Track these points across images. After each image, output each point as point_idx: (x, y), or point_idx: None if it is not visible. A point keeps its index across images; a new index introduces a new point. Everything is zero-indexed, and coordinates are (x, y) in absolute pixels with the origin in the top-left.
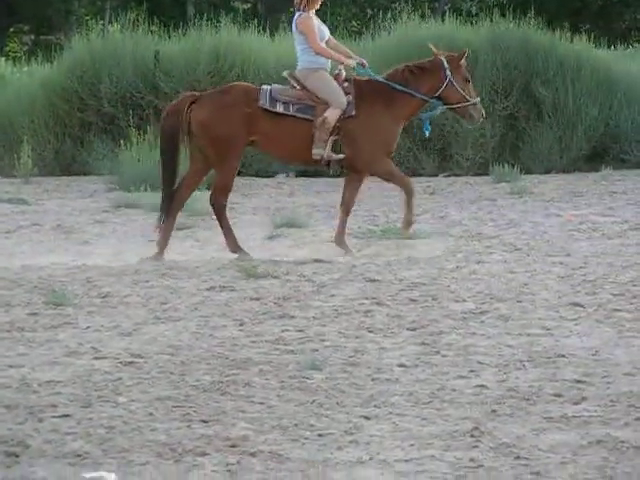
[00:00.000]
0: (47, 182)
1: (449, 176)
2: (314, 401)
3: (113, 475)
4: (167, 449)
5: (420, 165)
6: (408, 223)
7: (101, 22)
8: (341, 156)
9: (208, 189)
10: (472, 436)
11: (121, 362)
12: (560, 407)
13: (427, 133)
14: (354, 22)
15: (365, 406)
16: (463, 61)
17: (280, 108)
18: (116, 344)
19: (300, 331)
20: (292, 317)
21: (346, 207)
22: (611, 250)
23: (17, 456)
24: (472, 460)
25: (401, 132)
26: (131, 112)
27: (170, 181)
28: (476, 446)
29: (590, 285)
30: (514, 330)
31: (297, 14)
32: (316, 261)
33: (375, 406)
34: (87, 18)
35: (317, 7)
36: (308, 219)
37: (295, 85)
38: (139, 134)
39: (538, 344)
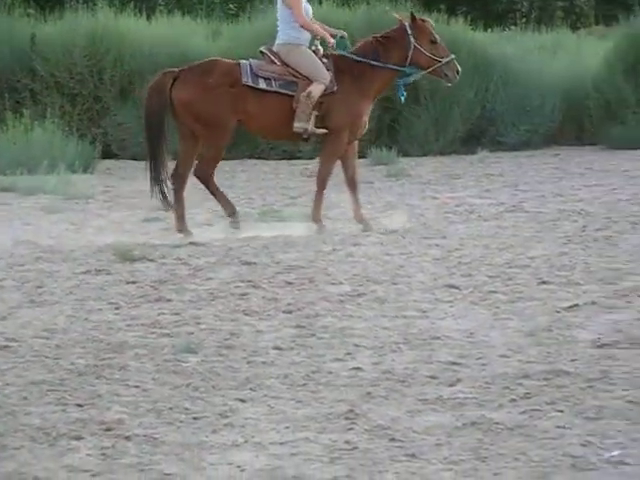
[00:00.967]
0: None
1: None
2: (189, 384)
3: None
4: (41, 433)
5: (297, 147)
6: (315, 218)
7: None
8: (323, 130)
9: (85, 172)
10: (347, 418)
11: None
12: (435, 389)
13: (402, 99)
14: (231, 5)
15: (240, 389)
16: (426, 23)
17: (263, 84)
18: None
19: (176, 314)
20: (168, 300)
21: (351, 186)
22: (487, 232)
23: None
24: (347, 442)
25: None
26: (7, 95)
27: (157, 155)
28: (351, 428)
29: (466, 267)
30: (390, 312)
31: None
32: (192, 244)
33: (250, 389)
34: None
35: None
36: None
37: (275, 60)
38: (15, 117)
39: (414, 326)
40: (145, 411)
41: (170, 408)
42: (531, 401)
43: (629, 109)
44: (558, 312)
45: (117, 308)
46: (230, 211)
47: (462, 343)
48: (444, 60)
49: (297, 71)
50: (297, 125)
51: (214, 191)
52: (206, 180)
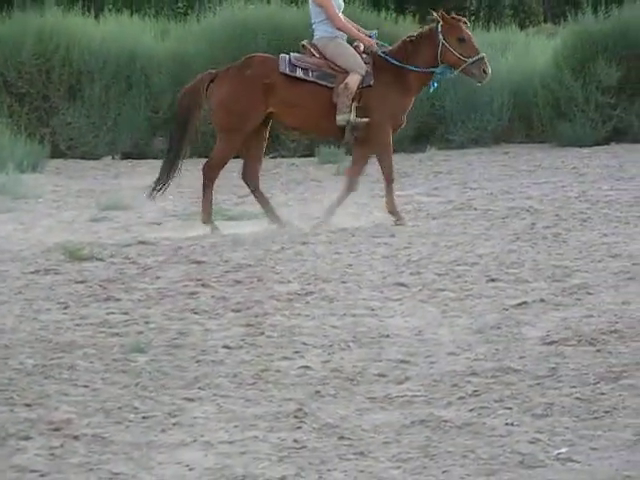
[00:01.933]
0: None
1: (275, 157)
2: (138, 384)
3: None
4: None
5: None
6: (392, 210)
7: None
8: (366, 120)
9: (34, 171)
10: (296, 417)
11: None
12: (384, 387)
13: (431, 89)
14: (180, 3)
15: (189, 388)
16: (457, 22)
17: (300, 73)
18: None
19: (125, 314)
20: (117, 300)
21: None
22: (436, 230)
23: None
24: (296, 441)
25: None
26: None
27: (175, 154)
28: (300, 427)
29: (414, 265)
30: (339, 311)
31: None
32: (141, 243)
33: (199, 388)
34: None
35: None
36: (133, 201)
37: (314, 53)
38: None
39: (362, 324)
40: (94, 410)
41: (119, 407)
42: (479, 399)
43: (577, 107)
44: (507, 309)
45: (66, 308)
46: (205, 220)
47: (411, 341)
48: (470, 60)
49: (335, 63)
50: (339, 118)
51: (206, 195)
52: (208, 183)
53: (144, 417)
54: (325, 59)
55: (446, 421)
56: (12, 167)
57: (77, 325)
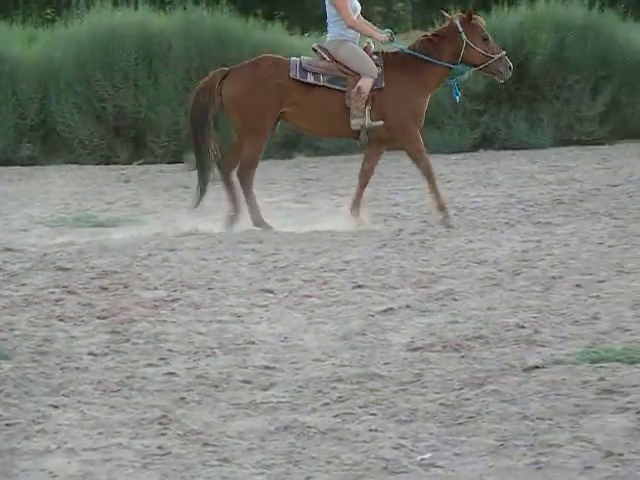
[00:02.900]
0: None
1: (143, 164)
2: (2, 391)
3: None
4: None
5: (114, 153)
6: (440, 207)
7: None
8: (380, 122)
9: None
10: (160, 424)
11: None
12: (249, 393)
13: (457, 98)
14: (48, 9)
15: (54, 395)
16: (477, 20)
17: (311, 78)
18: None
19: None
20: None
21: (364, 179)
22: (303, 236)
23: None
24: (160, 447)
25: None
26: None
27: (203, 155)
28: (164, 434)
29: (281, 271)
30: (205, 317)
31: None
32: (7, 250)
33: (64, 395)
34: None
35: None
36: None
37: (325, 56)
38: None
39: (228, 331)
40: None
41: None
42: (344, 405)
43: (445, 114)
44: (372, 316)
45: None
46: (256, 222)
47: (276, 347)
48: (496, 56)
49: (346, 67)
50: (354, 122)
51: (249, 199)
52: (246, 186)
53: (7, 424)
54: (336, 62)
55: (310, 427)
56: None
57: None
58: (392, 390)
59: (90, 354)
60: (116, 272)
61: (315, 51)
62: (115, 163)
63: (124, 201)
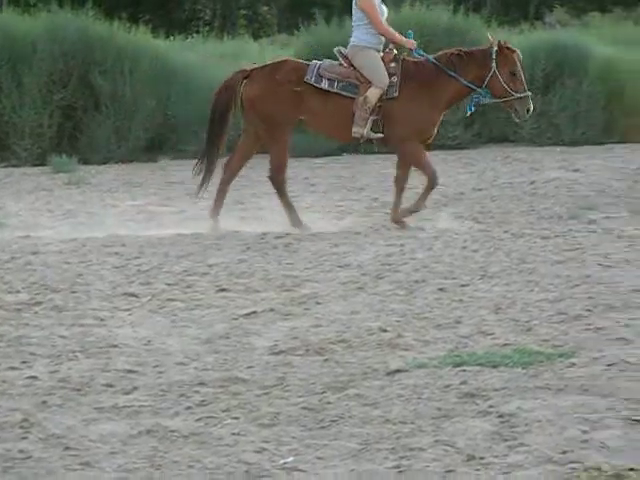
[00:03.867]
0: None
1: (7, 167)
2: None
3: None
4: None
5: None
6: (414, 209)
7: None
8: (380, 135)
9: None
10: (22, 427)
11: None
12: (111, 397)
13: (468, 113)
14: None
15: None
16: (513, 54)
17: (325, 85)
18: None
19: None
20: None
21: (400, 184)
22: (167, 240)
23: None
24: (21, 451)
25: None
26: None
27: (213, 153)
28: (25, 437)
29: (144, 275)
30: (67, 321)
31: None
32: None
33: None
34: None
35: None
36: None
37: (343, 62)
38: None
39: (91, 334)
40: None
41: None
42: (207, 408)
43: None
44: (236, 319)
45: None
46: (294, 224)
47: (139, 351)
48: (517, 95)
49: (360, 73)
50: (354, 130)
51: (285, 201)
52: (280, 189)
53: None
54: (353, 68)
55: (173, 431)
56: None
57: None
58: (255, 394)
59: None
60: None
61: (339, 54)
62: None
63: None
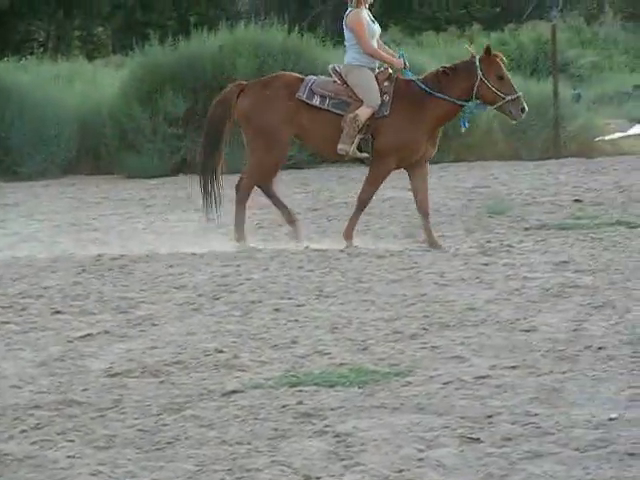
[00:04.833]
0: None
1: None
2: None
3: None
4: None
5: None
6: (347, 235)
7: None
8: (365, 155)
9: None
10: None
11: None
12: None
13: (462, 128)
14: None
15: None
16: (496, 57)
17: (317, 101)
18: None
19: None
20: None
21: (423, 209)
22: (1, 262)
23: None
24: None
25: None
26: None
27: (211, 169)
28: None
29: None
30: None
31: (348, 10)
32: None
33: None
34: None
35: (369, 3)
36: None
37: (336, 79)
38: None
39: None
40: None
41: None
42: (42, 431)
43: (145, 138)
44: (71, 342)
45: None
46: (238, 237)
47: None
48: (509, 97)
49: (352, 91)
50: (340, 147)
51: (239, 214)
52: (241, 200)
53: None
54: (346, 85)
55: (7, 454)
56: None
57: None
58: (90, 416)
59: None
60: None
61: (334, 72)
62: None
63: None
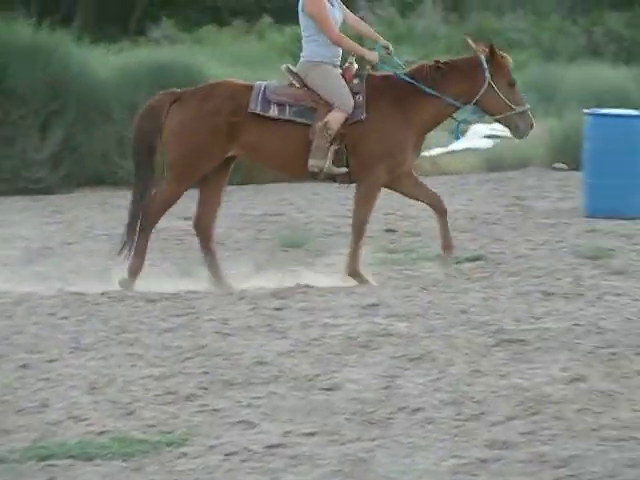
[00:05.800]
0: None
1: None
2: None
3: None
4: None
5: None
6: (352, 271)
7: None
8: (343, 170)
9: None
10: None
11: None
12: None
13: (455, 140)
14: None
15: None
16: (505, 59)
17: (274, 112)
18: None
19: None
20: None
21: (359, 228)
22: None
23: None
24: None
25: None
26: None
27: (142, 194)
28: None
29: None
30: None
31: None
32: None
33: None
34: None
35: None
36: None
37: (294, 82)
38: None
39: None
40: None
41: None
42: None
43: None
44: None
45: None
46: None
47: None
48: (519, 109)
49: (317, 95)
50: (312, 163)
51: (140, 245)
52: (147, 229)
53: None
54: (307, 88)
55: None
56: None
57: None
58: None
59: None
60: None
61: (288, 72)
62: None
63: None
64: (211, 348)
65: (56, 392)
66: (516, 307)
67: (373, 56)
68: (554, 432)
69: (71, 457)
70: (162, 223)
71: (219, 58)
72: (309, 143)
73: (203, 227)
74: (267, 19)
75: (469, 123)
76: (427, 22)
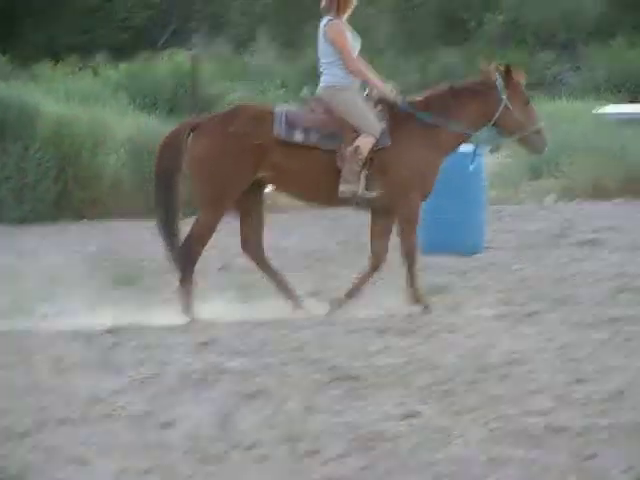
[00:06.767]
0: None
1: None
2: None
3: None
4: None
5: None
6: (416, 299)
7: None
8: (374, 194)
9: None
10: None
11: None
12: None
13: (470, 167)
14: None
15: None
16: (519, 76)
17: (299, 137)
18: None
19: None
20: None
21: (376, 259)
22: None
23: None
24: None
25: None
26: None
27: (171, 230)
28: None
29: None
30: None
31: (326, 19)
32: None
33: None
34: None
35: (348, 13)
36: None
37: (314, 108)
38: None
39: None
40: None
41: None
42: None
43: None
44: None
45: None
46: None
47: None
48: (535, 127)
49: (343, 120)
50: (343, 188)
51: (186, 277)
52: (190, 264)
53: None
54: (331, 114)
55: None
56: None
57: None
58: None
59: None
60: None
61: (306, 102)
62: None
63: None
64: (46, 385)
65: None
66: (351, 344)
67: (389, 91)
68: (389, 467)
69: None
70: None
71: (54, 94)
72: (336, 169)
73: (252, 251)
74: (102, 55)
75: (487, 147)
76: (262, 58)
